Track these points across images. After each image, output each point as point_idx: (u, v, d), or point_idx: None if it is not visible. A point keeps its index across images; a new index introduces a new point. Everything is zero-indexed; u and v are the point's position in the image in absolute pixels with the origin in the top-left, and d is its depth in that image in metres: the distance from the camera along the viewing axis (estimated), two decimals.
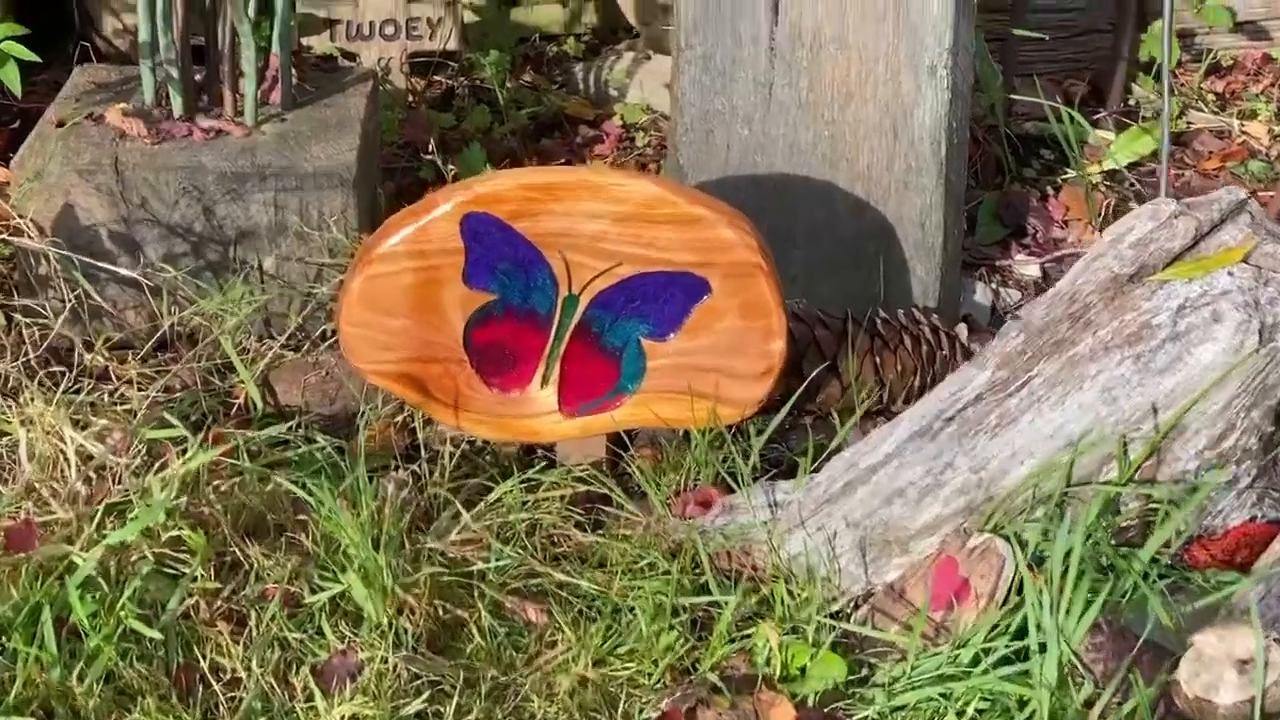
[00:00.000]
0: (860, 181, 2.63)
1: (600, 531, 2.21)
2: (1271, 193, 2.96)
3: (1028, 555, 1.92)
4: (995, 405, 1.99)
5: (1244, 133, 3.20)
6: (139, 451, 2.23)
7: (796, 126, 2.62)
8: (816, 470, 2.12)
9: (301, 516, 2.15)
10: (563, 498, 2.23)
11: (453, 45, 3.43)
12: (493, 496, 2.23)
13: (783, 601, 2.03)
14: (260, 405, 2.44)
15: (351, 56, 3.38)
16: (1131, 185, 3.04)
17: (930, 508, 1.99)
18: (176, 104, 2.73)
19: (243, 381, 2.47)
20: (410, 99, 3.44)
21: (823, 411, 2.48)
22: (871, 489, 2.03)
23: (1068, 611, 1.80)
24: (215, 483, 2.16)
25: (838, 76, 2.59)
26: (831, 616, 2.03)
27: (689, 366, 2.27)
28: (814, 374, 2.37)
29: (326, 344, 2.57)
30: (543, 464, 2.38)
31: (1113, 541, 1.93)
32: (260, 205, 2.62)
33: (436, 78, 3.55)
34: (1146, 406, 1.91)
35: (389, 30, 3.39)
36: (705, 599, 2.04)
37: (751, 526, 2.11)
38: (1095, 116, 3.20)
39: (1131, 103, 3.29)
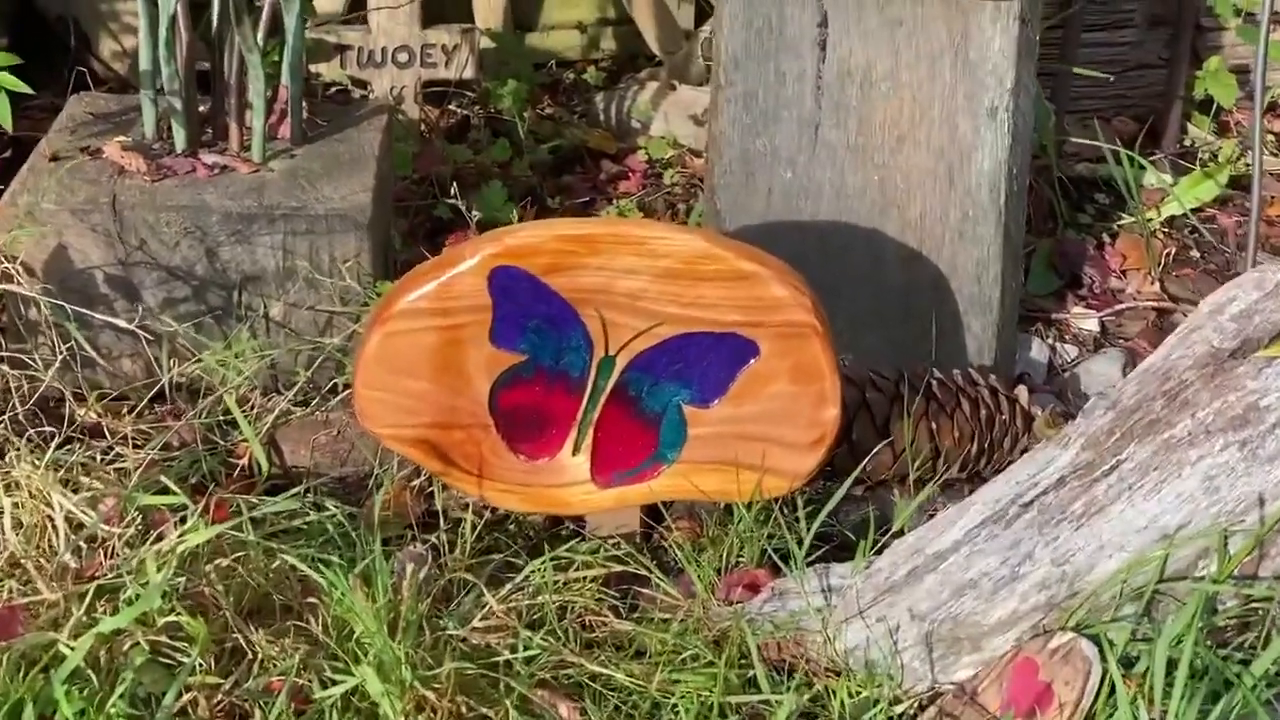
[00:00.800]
0: (911, 230, 2.45)
1: (636, 615, 2.02)
2: None
3: (1116, 657, 1.74)
4: (1080, 491, 1.80)
5: None
6: (133, 520, 2.04)
7: (844, 170, 2.44)
8: (877, 553, 1.94)
9: (311, 599, 1.96)
10: (595, 578, 2.04)
11: (469, 74, 3.24)
12: (520, 576, 2.04)
13: (842, 702, 1.85)
14: (265, 466, 2.26)
15: (362, 84, 3.20)
16: (1193, 232, 2.86)
17: (1006, 602, 1.81)
18: (179, 137, 2.56)
19: (246, 440, 2.29)
20: (424, 130, 3.26)
21: (872, 480, 2.30)
22: (940, 578, 1.84)
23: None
24: (217, 559, 1.97)
25: (889, 117, 2.41)
26: (894, 719, 1.85)
27: (734, 435, 2.09)
28: (875, 451, 2.19)
29: (336, 400, 2.38)
30: (572, 537, 2.20)
31: (1209, 643, 1.75)
32: (267, 248, 2.45)
33: (451, 107, 3.38)
34: (1252, 497, 1.73)
35: (402, 57, 3.20)
36: (755, 697, 1.86)
37: (804, 614, 1.92)
38: (1151, 158, 3.02)
39: (1187, 143, 3.11)
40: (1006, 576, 1.81)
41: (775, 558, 2.06)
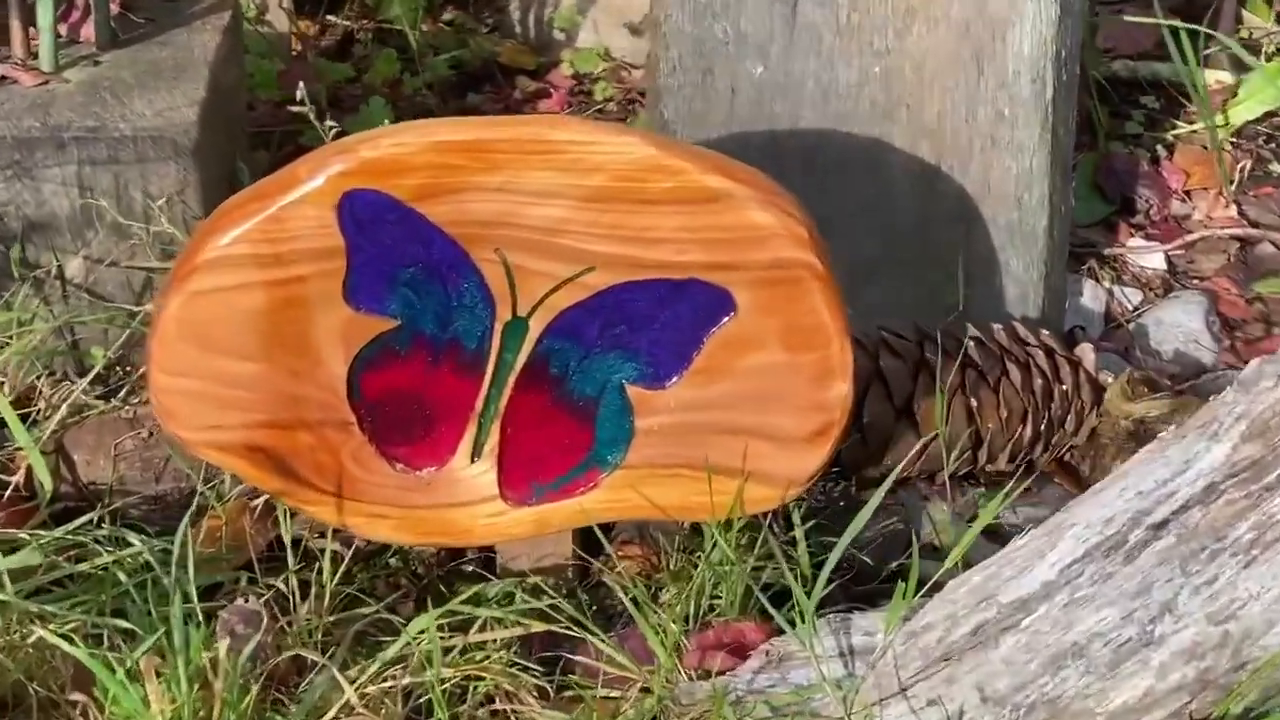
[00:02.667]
0: (927, 139, 1.81)
1: (568, 694, 1.39)
2: None
3: None
4: (1246, 507, 1.17)
5: None
6: None
7: (833, 60, 1.81)
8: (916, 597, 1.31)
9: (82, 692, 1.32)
10: (509, 643, 1.41)
11: None
12: (401, 642, 1.40)
13: None
14: (48, 485, 1.62)
15: None
16: (1268, 141, 2.23)
17: (1135, 679, 1.18)
18: None
19: (22, 448, 1.64)
20: (296, 47, 2.60)
21: (893, 477, 1.66)
22: (1025, 641, 1.22)
23: None
24: None
25: None
26: None
27: (701, 426, 1.46)
28: (924, 441, 1.57)
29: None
30: (478, 577, 1.57)
31: None
32: (57, 185, 1.80)
33: (331, 18, 2.73)
34: None
35: None
36: None
37: (817, 691, 1.29)
38: (1204, 53, 2.39)
39: (1244, 34, 2.48)
40: (1134, 639, 1.18)
41: (765, 601, 1.43)
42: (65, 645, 1.29)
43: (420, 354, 1.44)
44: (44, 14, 1.89)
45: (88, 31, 1.98)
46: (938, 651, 1.26)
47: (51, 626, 1.34)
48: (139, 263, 1.82)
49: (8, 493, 1.64)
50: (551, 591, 1.50)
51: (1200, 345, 1.89)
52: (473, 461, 1.47)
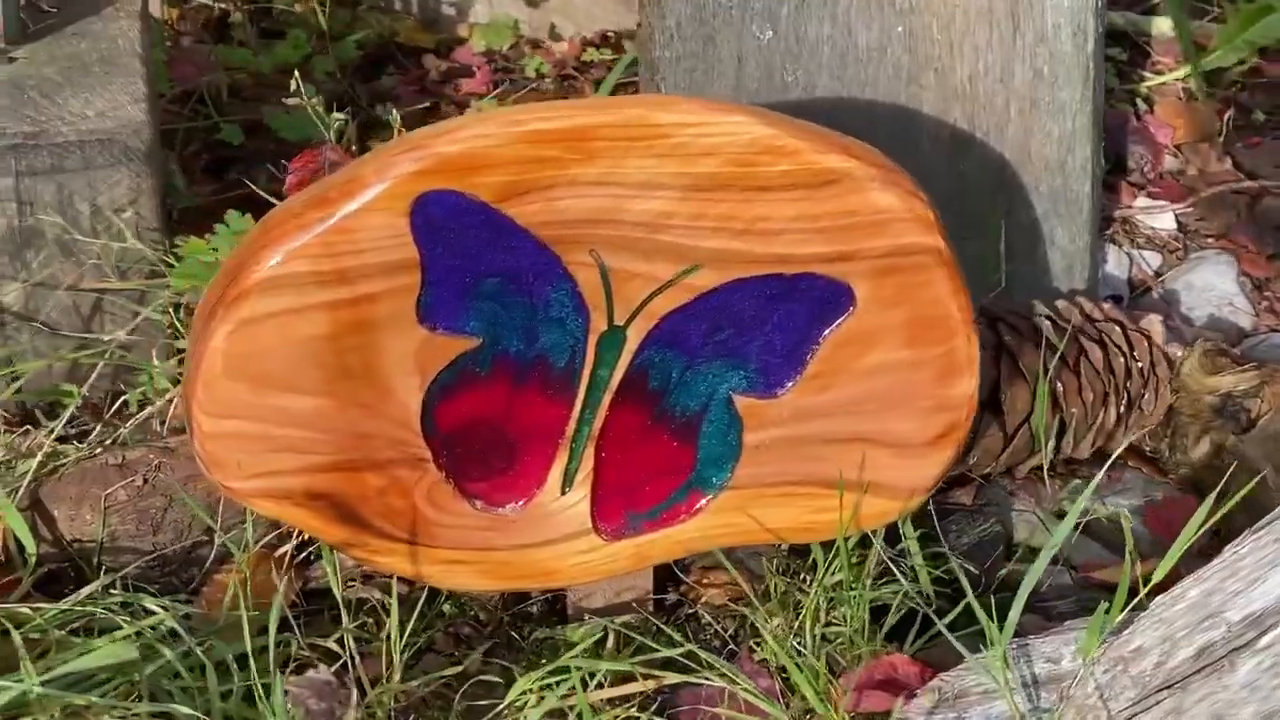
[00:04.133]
0: (959, 103, 1.67)
1: None
2: None
3: None
4: None
5: None
6: None
7: (851, 21, 1.66)
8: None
9: None
10: (628, 699, 1.24)
11: None
12: (505, 702, 1.23)
13: None
14: (31, 547, 1.40)
15: None
16: (1240, 89, 2.14)
17: None
18: None
19: None
20: (171, 32, 2.38)
21: (975, 474, 1.53)
22: (1268, 663, 1.08)
23: None
24: None
25: None
26: None
27: (816, 437, 1.30)
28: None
29: (130, 425, 1.53)
30: (549, 616, 1.40)
31: None
32: None
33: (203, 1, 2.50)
34: None
35: None
36: None
37: None
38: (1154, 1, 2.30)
39: None
40: None
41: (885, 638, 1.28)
42: None
43: (503, 375, 1.26)
44: None
45: None
46: (1156, 679, 1.12)
47: None
48: (92, 285, 1.61)
49: None
50: (640, 635, 1.33)
51: (1236, 308, 1.79)
52: (563, 492, 1.29)
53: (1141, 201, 1.94)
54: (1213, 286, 1.81)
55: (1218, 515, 1.20)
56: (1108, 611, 1.15)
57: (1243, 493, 1.25)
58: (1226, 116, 2.06)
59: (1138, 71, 2.17)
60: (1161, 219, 1.91)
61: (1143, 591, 1.16)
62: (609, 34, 2.37)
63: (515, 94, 2.21)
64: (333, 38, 2.36)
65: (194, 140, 2.11)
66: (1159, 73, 2.17)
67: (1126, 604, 1.17)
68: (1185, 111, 2.09)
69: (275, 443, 1.22)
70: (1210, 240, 1.91)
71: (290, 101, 1.72)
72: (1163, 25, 2.22)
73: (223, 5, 2.50)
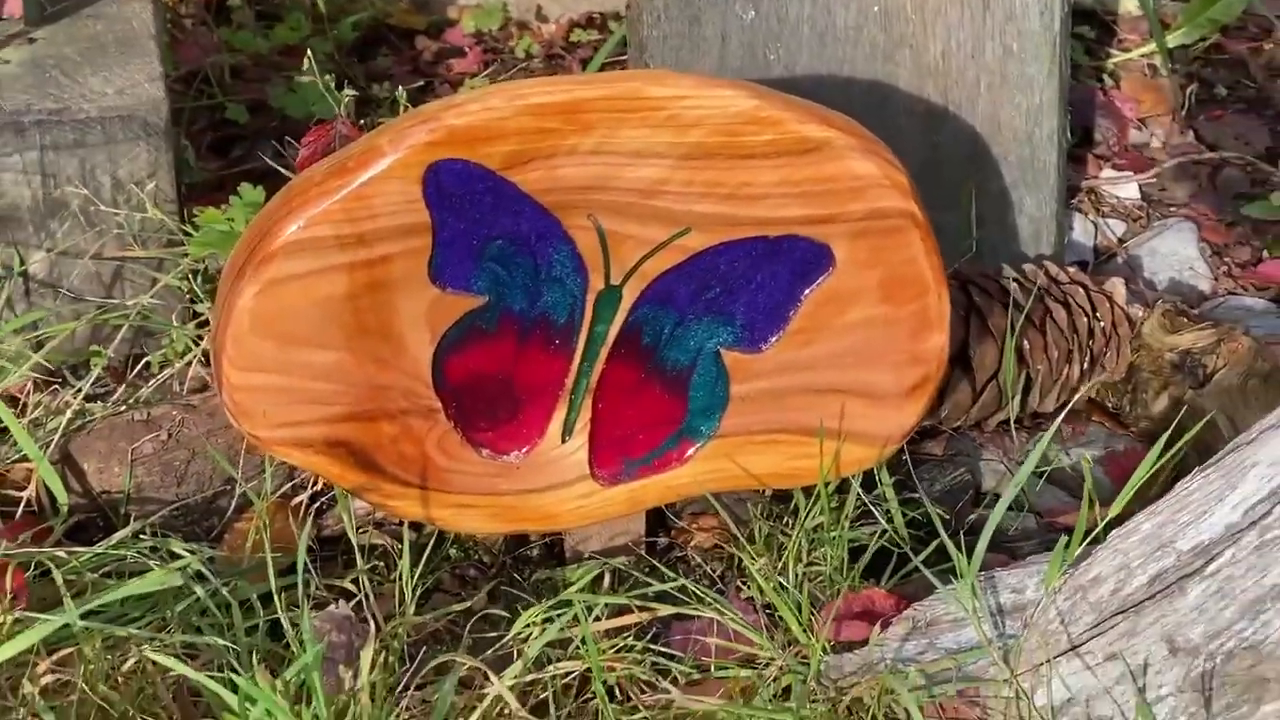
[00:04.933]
0: (933, 78, 1.77)
1: (698, 678, 1.32)
2: None
3: None
4: None
5: None
6: None
7: (829, 2, 1.76)
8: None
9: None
10: (626, 629, 1.33)
11: None
12: (511, 632, 1.32)
13: None
14: (63, 497, 1.50)
15: None
16: (1203, 64, 2.24)
17: None
18: None
19: (24, 459, 1.52)
20: (172, 14, 2.46)
21: (946, 427, 1.63)
22: (1215, 588, 1.19)
23: None
24: (39, 673, 1.21)
25: None
26: None
27: (798, 388, 1.40)
28: (982, 386, 1.52)
29: (153, 384, 1.62)
30: (547, 558, 1.49)
31: None
32: (18, 174, 1.66)
33: None
34: None
35: None
36: None
37: (978, 655, 1.24)
38: None
39: None
40: None
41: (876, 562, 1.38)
42: (189, 671, 1.17)
43: (508, 331, 1.35)
44: None
45: (12, 7, 1.84)
46: (1112, 604, 1.22)
47: (146, 650, 1.23)
48: (109, 253, 1.70)
49: (20, 510, 1.51)
50: (635, 573, 1.43)
51: (1196, 273, 1.89)
52: (563, 441, 1.39)
53: (1107, 172, 2.04)
54: (1175, 252, 1.91)
55: (1168, 456, 1.30)
56: (1068, 545, 1.25)
57: (1190, 435, 1.35)
58: (1189, 91, 2.16)
59: (1105, 48, 2.27)
60: (1126, 189, 2.01)
61: (1099, 527, 1.26)
62: (594, 15, 2.45)
63: (505, 73, 2.30)
64: (329, 20, 2.45)
65: (199, 119, 2.19)
66: (1125, 49, 2.26)
67: (1085, 539, 1.27)
68: (1150, 86, 2.19)
69: (298, 394, 1.32)
70: (1173, 209, 2.01)
71: (304, 79, 1.81)
72: (1129, 4, 2.31)
73: None
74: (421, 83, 2.28)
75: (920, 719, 1.20)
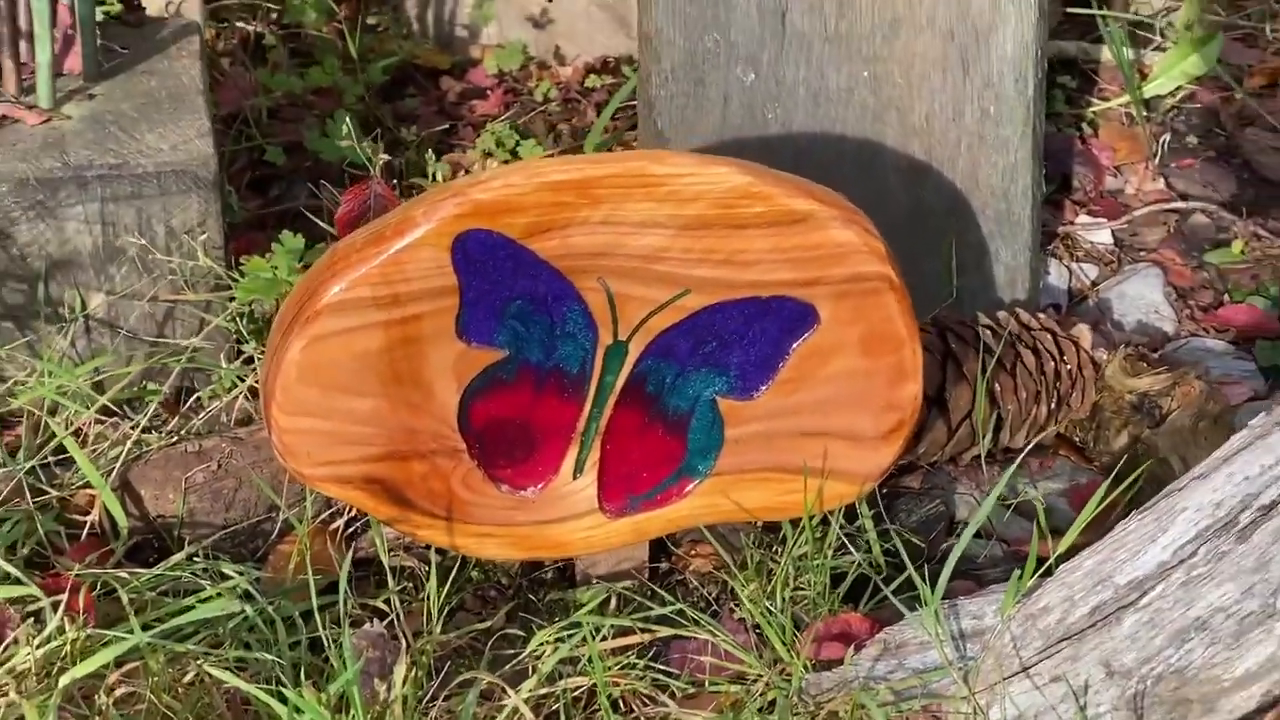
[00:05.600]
0: (917, 138, 1.93)
1: (693, 693, 1.48)
2: None
3: None
4: None
5: (1276, 37, 2.57)
6: None
7: (822, 67, 1.91)
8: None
9: None
10: (629, 649, 1.50)
11: None
12: (527, 650, 1.49)
13: None
14: (123, 522, 1.66)
15: (130, 2, 2.54)
16: (1176, 114, 2.39)
17: (1260, 647, 1.32)
18: None
19: (87, 486, 1.68)
20: (210, 51, 2.62)
21: (923, 463, 1.79)
22: (1147, 619, 1.35)
23: None
24: (111, 684, 1.37)
25: None
26: None
27: (786, 432, 1.56)
28: (958, 424, 1.68)
29: (202, 417, 1.78)
30: (559, 582, 1.66)
31: None
32: (80, 223, 1.83)
33: (237, 23, 2.74)
34: None
35: None
36: None
37: (941, 675, 1.40)
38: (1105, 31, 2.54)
39: (1134, 11, 2.63)
40: (1257, 612, 1.31)
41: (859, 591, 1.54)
42: (244, 684, 1.34)
43: (526, 381, 1.52)
44: (43, 50, 1.91)
45: (72, 63, 2.00)
46: (1058, 632, 1.38)
47: (203, 664, 1.39)
48: (162, 296, 1.86)
49: (84, 533, 1.67)
50: (638, 597, 1.59)
51: (1161, 315, 2.04)
52: (575, 478, 1.56)
53: (1083, 219, 2.20)
54: (1142, 296, 2.07)
55: (1119, 491, 1.46)
56: (1020, 577, 1.41)
57: (1142, 470, 1.51)
58: (1163, 140, 2.32)
59: (1085, 97, 2.43)
60: (1099, 234, 2.17)
61: (1050, 559, 1.42)
62: (609, 59, 2.61)
63: (525, 115, 2.46)
64: (361, 59, 2.62)
65: (239, 158, 2.36)
66: (1105, 98, 2.42)
67: (1039, 572, 1.43)
68: (1126, 135, 2.34)
69: (338, 437, 1.48)
70: (1142, 254, 2.16)
71: (342, 144, 1.96)
72: (1109, 54, 2.47)
73: (257, 29, 2.75)
74: (447, 125, 2.44)
75: None
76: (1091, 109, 2.39)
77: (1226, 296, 2.09)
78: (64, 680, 1.30)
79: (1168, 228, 2.20)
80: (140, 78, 2.01)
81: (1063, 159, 2.27)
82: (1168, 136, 2.33)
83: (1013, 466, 1.57)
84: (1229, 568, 1.33)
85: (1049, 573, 1.43)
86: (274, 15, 2.70)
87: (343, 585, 1.46)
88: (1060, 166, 2.26)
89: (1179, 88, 2.41)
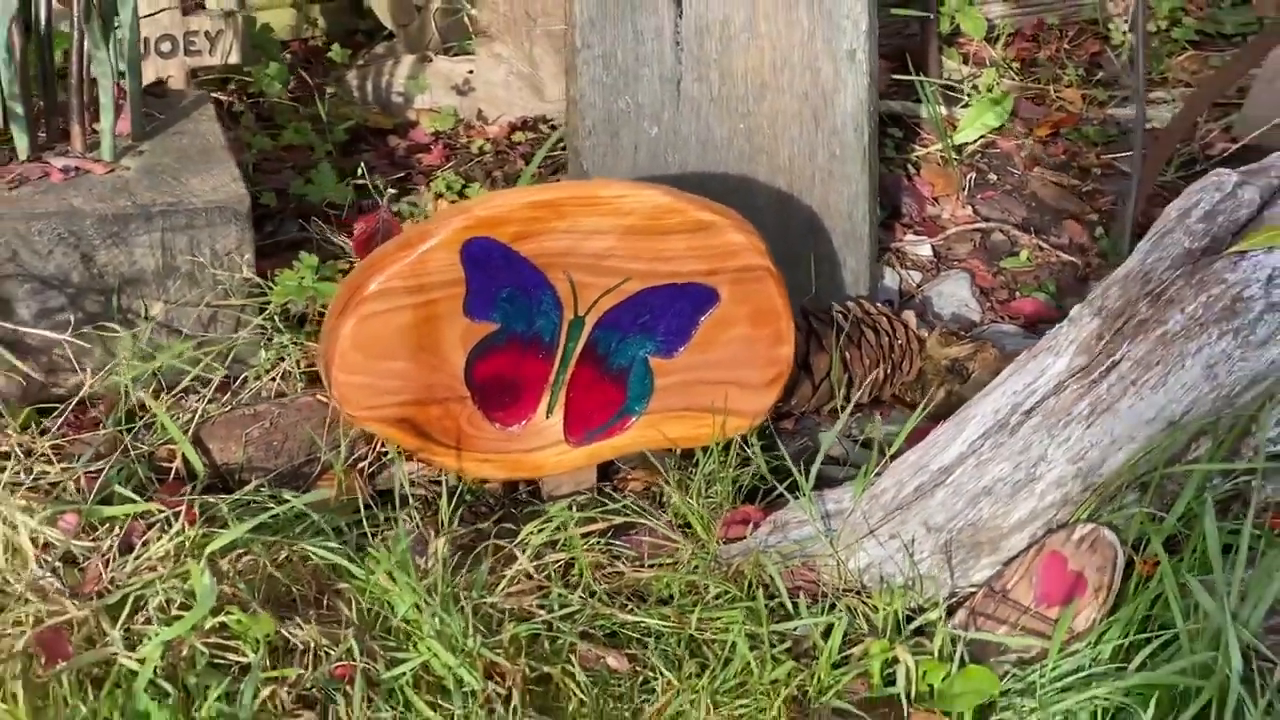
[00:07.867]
0: (782, 174, 2.55)
1: (643, 565, 2.08)
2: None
3: (1129, 542, 1.89)
4: (1083, 393, 1.94)
5: (1059, 97, 3.25)
6: (106, 532, 1.99)
7: (709, 122, 2.53)
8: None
9: (339, 584, 1.95)
10: (594, 533, 2.09)
11: (235, 59, 3.18)
12: (519, 538, 2.07)
13: (868, 617, 1.95)
14: (200, 468, 2.22)
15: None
16: (980, 157, 3.05)
17: (1025, 503, 1.93)
18: (21, 143, 2.46)
19: (168, 443, 2.24)
20: None
21: (795, 413, 2.40)
22: (951, 490, 1.96)
23: (1243, 597, 1.77)
24: (236, 558, 1.94)
25: (750, 67, 2.50)
26: (919, 630, 1.96)
27: (698, 381, 2.16)
28: (819, 384, 2.29)
29: (249, 392, 2.35)
30: (531, 502, 2.24)
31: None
32: (146, 248, 2.38)
33: (216, 95, 3.30)
34: (1248, 379, 1.90)
35: (165, 47, 3.12)
36: (799, 622, 1.94)
37: (812, 541, 2.01)
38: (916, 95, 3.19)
39: (946, 77, 3.29)
40: (1023, 480, 1.93)
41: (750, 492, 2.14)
42: (335, 556, 1.91)
43: (513, 347, 2.10)
44: (107, 117, 2.47)
45: (122, 126, 2.56)
46: (892, 505, 1.99)
47: (309, 550, 1.96)
48: (210, 303, 2.42)
49: (171, 476, 2.23)
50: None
51: (970, 308, 2.67)
52: (548, 417, 2.15)
53: (909, 237, 2.83)
54: (955, 294, 2.70)
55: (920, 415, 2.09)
56: (866, 474, 2.02)
57: (929, 400, 2.13)
58: (969, 177, 2.96)
59: (910, 144, 3.07)
60: (922, 248, 2.80)
61: (886, 459, 2.04)
62: (527, 119, 3.21)
63: (464, 165, 3.05)
64: (324, 125, 3.19)
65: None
66: (925, 145, 3.06)
67: (876, 471, 2.05)
68: (942, 174, 2.99)
69: (379, 389, 2.06)
70: (955, 263, 2.80)
71: (320, 174, 2.53)
72: (925, 112, 3.12)
73: (226, 98, 3.31)
74: (402, 174, 3.02)
75: (779, 579, 1.96)
76: (915, 153, 3.03)
77: (1017, 293, 2.73)
78: (210, 548, 1.86)
79: (974, 243, 2.84)
80: (173, 137, 2.57)
81: (893, 191, 2.91)
82: (973, 175, 2.97)
83: (845, 414, 2.17)
84: (1005, 452, 1.95)
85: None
86: (243, 86, 3.26)
87: (397, 489, 2.03)
88: (892, 198, 2.90)
89: (981, 136, 3.05)
